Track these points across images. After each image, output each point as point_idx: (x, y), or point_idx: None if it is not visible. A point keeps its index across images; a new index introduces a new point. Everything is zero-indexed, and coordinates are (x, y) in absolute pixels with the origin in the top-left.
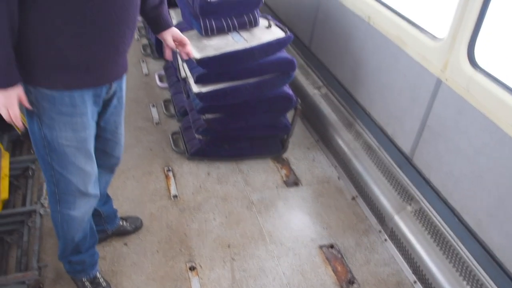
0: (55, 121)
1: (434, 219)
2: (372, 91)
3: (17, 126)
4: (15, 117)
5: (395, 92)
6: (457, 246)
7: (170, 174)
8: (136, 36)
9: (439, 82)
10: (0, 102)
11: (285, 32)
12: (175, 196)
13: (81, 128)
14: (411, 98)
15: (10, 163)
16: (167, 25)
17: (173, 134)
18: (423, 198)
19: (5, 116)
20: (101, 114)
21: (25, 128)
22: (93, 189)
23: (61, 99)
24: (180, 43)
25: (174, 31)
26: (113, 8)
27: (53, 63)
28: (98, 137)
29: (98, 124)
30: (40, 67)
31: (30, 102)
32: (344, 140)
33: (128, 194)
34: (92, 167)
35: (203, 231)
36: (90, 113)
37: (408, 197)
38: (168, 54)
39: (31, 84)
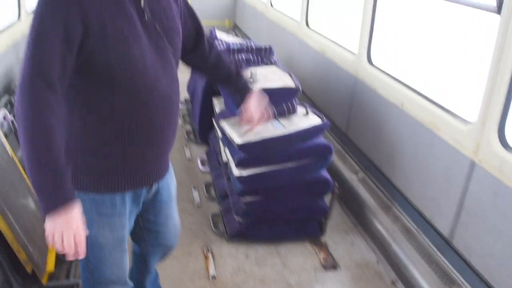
0: (94, 221)
1: None
2: (408, 174)
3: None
4: (81, 242)
5: (431, 175)
6: None
7: (209, 255)
8: (180, 122)
9: (472, 164)
10: (63, 228)
11: (322, 119)
12: (214, 277)
13: (118, 227)
14: (446, 180)
15: None
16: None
17: (213, 216)
18: (464, 281)
19: (69, 248)
20: (150, 210)
21: None
22: (126, 279)
23: (102, 202)
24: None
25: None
26: (157, 117)
27: (98, 169)
28: (149, 231)
29: (148, 218)
30: (85, 174)
31: None
32: (382, 223)
33: (168, 273)
34: (126, 261)
35: None
36: (128, 213)
37: (449, 281)
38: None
39: (75, 189)
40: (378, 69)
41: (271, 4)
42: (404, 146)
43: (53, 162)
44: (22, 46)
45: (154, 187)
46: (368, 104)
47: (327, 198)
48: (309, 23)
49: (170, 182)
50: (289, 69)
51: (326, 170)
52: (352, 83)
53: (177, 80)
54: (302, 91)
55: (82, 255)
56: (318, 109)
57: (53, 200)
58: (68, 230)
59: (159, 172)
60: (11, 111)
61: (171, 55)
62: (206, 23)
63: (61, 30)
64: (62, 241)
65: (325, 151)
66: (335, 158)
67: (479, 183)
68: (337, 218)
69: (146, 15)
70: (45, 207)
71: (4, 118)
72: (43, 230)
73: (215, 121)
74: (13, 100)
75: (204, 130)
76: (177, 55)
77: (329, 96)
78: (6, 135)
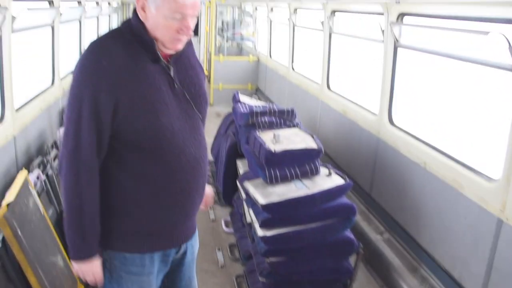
0: (123, 279)
1: None
2: (434, 234)
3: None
4: (100, 281)
5: (458, 234)
6: None
7: None
8: None
9: (500, 222)
10: (85, 271)
11: (345, 179)
12: None
13: (147, 286)
14: (474, 240)
15: None
16: None
17: (237, 277)
18: None
19: (90, 282)
20: (175, 272)
21: None
22: None
23: (132, 260)
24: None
25: (208, 191)
26: (185, 180)
27: (128, 230)
28: None
29: (173, 281)
30: (115, 234)
31: (104, 259)
32: (410, 285)
33: None
34: None
35: None
36: (156, 272)
37: None
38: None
39: (106, 247)
40: (400, 129)
41: (293, 68)
42: (429, 205)
43: (82, 225)
44: (55, 109)
45: (182, 248)
46: (391, 163)
47: (352, 259)
48: (330, 85)
49: (195, 244)
50: (312, 130)
51: (351, 230)
52: (375, 143)
53: (204, 145)
54: (325, 152)
55: (100, 285)
56: (341, 169)
57: (78, 253)
58: (88, 273)
59: (187, 234)
60: (44, 171)
61: (199, 121)
62: (229, 87)
63: (95, 112)
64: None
65: (349, 211)
66: (359, 219)
67: (508, 241)
68: (362, 279)
69: (175, 84)
70: (71, 255)
71: (37, 178)
72: (70, 287)
73: (239, 182)
74: (45, 161)
75: (228, 191)
76: (204, 121)
77: (352, 156)
78: (39, 194)
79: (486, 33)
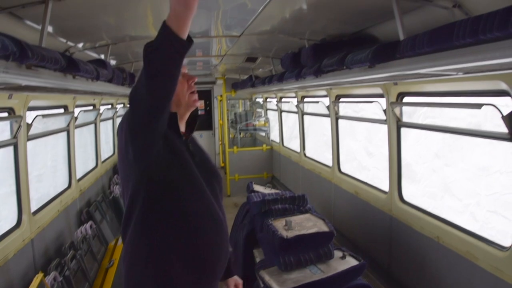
0: None
1: None
2: None
3: None
4: None
5: None
6: None
7: None
8: None
9: None
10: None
11: (359, 260)
12: None
13: None
14: None
15: None
16: (231, 274)
17: None
18: None
19: None
20: None
21: None
22: None
23: None
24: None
25: (237, 279)
26: (214, 240)
27: None
28: None
29: None
30: None
31: None
32: None
33: None
34: None
35: None
36: None
37: None
38: None
39: None
40: (410, 205)
41: (304, 154)
42: (447, 280)
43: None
44: (72, 210)
45: None
46: (406, 240)
47: None
48: (341, 167)
49: None
50: (327, 213)
51: None
52: (388, 221)
53: (224, 212)
54: (341, 232)
55: None
56: (358, 249)
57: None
58: None
59: None
60: (61, 273)
61: (218, 191)
62: (245, 177)
63: None
64: None
65: None
66: None
67: None
68: None
69: (195, 157)
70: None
71: (54, 279)
72: None
73: (256, 271)
74: (63, 263)
75: (248, 281)
76: (222, 194)
77: (368, 236)
78: None
79: (480, 105)
